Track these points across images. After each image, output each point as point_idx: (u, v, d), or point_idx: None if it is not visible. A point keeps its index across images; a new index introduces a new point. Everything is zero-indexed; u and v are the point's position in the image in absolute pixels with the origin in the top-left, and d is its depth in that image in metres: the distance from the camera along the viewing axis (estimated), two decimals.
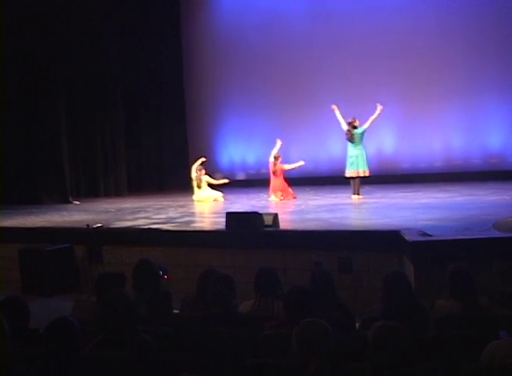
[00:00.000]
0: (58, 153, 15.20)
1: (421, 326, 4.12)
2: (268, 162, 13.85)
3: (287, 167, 13.64)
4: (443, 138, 15.79)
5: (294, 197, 13.47)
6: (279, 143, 13.75)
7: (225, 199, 14.05)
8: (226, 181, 14.58)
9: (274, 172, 13.58)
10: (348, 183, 12.88)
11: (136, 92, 17.50)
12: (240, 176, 17.83)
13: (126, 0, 17.12)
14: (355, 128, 12.59)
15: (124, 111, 17.16)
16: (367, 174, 12.63)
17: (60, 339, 3.40)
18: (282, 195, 13.37)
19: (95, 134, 16.52)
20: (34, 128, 15.10)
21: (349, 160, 12.67)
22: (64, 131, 15.41)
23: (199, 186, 14.20)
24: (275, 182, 13.58)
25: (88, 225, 9.56)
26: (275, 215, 8.75)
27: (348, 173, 12.69)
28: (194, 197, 14.21)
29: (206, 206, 13.31)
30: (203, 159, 14.51)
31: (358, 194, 12.62)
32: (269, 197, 13.57)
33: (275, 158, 13.59)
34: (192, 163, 14.75)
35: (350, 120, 12.69)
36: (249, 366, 3.62)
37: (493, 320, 4.41)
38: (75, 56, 15.88)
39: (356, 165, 12.55)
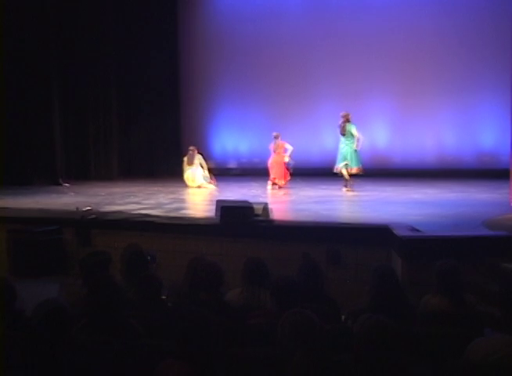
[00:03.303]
0: (50, 135, 15.17)
1: (407, 320, 4.14)
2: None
3: (289, 146, 13.67)
4: (436, 134, 15.82)
5: (283, 184, 13.49)
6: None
7: (216, 186, 14.08)
8: (213, 186, 14.31)
9: (274, 150, 13.65)
10: (340, 176, 12.90)
11: (130, 78, 17.40)
12: (232, 165, 17.82)
13: None
14: (349, 121, 12.61)
15: (117, 96, 17.13)
16: (354, 171, 12.59)
17: (49, 321, 3.39)
18: (274, 178, 13.43)
19: (87, 117, 16.49)
20: (27, 110, 15.04)
21: (339, 156, 12.71)
22: (56, 114, 15.41)
23: (191, 163, 14.22)
24: (274, 159, 13.67)
25: (77, 208, 9.54)
26: (266, 205, 8.75)
27: (336, 169, 12.73)
28: (185, 175, 14.21)
29: (197, 193, 13.31)
30: None
31: (346, 187, 12.65)
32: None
33: (275, 137, 13.67)
34: (185, 150, 14.79)
35: (343, 113, 12.70)
36: (234, 355, 3.62)
37: (478, 317, 4.43)
38: (70, 42, 15.86)
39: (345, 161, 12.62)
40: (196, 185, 14.10)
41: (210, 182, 14.22)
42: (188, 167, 14.29)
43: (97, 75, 16.53)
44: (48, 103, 15.18)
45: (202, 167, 14.38)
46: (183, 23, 17.80)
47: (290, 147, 13.65)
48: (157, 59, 17.26)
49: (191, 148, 14.46)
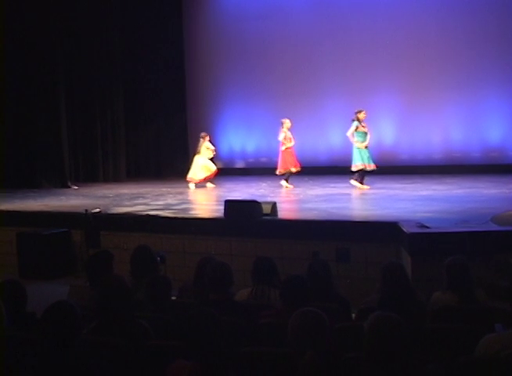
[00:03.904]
0: (57, 138, 15.20)
1: (417, 317, 4.13)
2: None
3: (281, 135, 13.60)
4: (443, 130, 15.75)
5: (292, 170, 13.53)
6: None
7: (214, 184, 14.16)
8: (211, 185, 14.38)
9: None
10: (348, 173, 12.91)
11: (137, 79, 17.45)
12: (239, 165, 17.82)
13: None
14: (356, 119, 12.54)
15: (124, 98, 17.17)
16: (356, 168, 12.54)
17: (60, 323, 3.40)
18: (281, 167, 13.49)
19: (94, 119, 16.52)
20: (34, 113, 15.08)
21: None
22: (64, 116, 15.43)
23: (198, 152, 14.25)
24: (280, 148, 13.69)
25: (86, 211, 9.56)
26: (274, 204, 8.75)
27: (356, 166, 12.71)
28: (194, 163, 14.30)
29: (205, 193, 13.32)
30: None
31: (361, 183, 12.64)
32: None
33: (281, 124, 13.64)
34: (193, 150, 14.81)
35: (356, 110, 12.63)
36: (244, 354, 3.62)
37: (489, 313, 4.42)
38: (75, 41, 15.89)
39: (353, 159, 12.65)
40: (191, 177, 14.12)
41: (209, 178, 14.26)
42: (196, 157, 14.30)
43: (103, 77, 16.56)
44: (55, 106, 15.20)
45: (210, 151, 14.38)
46: (188, 23, 17.80)
47: (281, 136, 13.59)
48: (163, 59, 17.29)
49: (202, 134, 14.46)
